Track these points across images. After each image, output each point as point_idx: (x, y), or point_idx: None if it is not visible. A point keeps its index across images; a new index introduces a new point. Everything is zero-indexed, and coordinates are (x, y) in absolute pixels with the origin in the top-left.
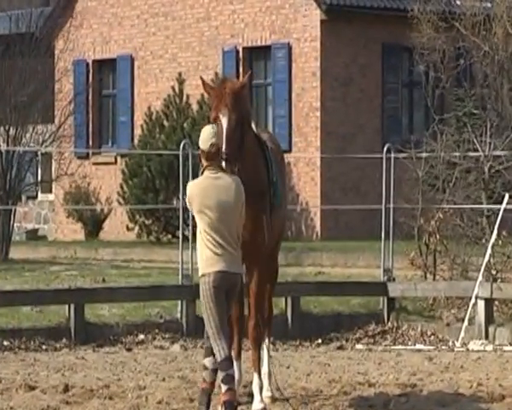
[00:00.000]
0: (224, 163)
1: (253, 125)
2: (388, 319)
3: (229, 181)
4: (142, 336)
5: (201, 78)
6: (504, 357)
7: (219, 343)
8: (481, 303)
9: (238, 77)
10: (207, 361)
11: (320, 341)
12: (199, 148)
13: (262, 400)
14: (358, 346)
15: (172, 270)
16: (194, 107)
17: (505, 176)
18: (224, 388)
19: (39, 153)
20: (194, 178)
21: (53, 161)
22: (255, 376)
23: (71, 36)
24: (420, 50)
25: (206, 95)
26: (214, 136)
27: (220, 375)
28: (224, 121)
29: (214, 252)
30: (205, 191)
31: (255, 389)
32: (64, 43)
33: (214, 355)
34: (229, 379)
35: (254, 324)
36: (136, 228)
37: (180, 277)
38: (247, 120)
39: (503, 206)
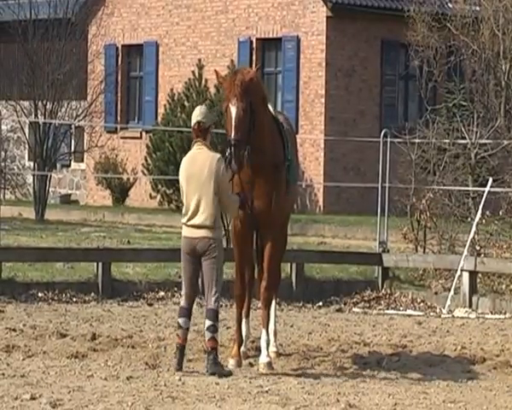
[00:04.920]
0: (232, 148)
1: (271, 108)
2: (382, 287)
3: (206, 156)
4: (162, 293)
5: (215, 70)
6: (486, 324)
7: (183, 294)
8: (466, 275)
9: (251, 65)
10: (181, 321)
11: (321, 303)
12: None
13: (268, 354)
14: (355, 309)
15: None
16: (212, 90)
17: (489, 162)
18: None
19: (73, 126)
20: None
21: (85, 134)
22: (263, 332)
23: (103, 22)
24: (415, 47)
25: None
26: (200, 115)
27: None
28: (233, 110)
29: (184, 220)
30: (186, 164)
31: (263, 344)
32: (97, 28)
33: (187, 316)
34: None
35: (266, 286)
36: (159, 196)
37: None
38: (264, 103)
39: (487, 189)
